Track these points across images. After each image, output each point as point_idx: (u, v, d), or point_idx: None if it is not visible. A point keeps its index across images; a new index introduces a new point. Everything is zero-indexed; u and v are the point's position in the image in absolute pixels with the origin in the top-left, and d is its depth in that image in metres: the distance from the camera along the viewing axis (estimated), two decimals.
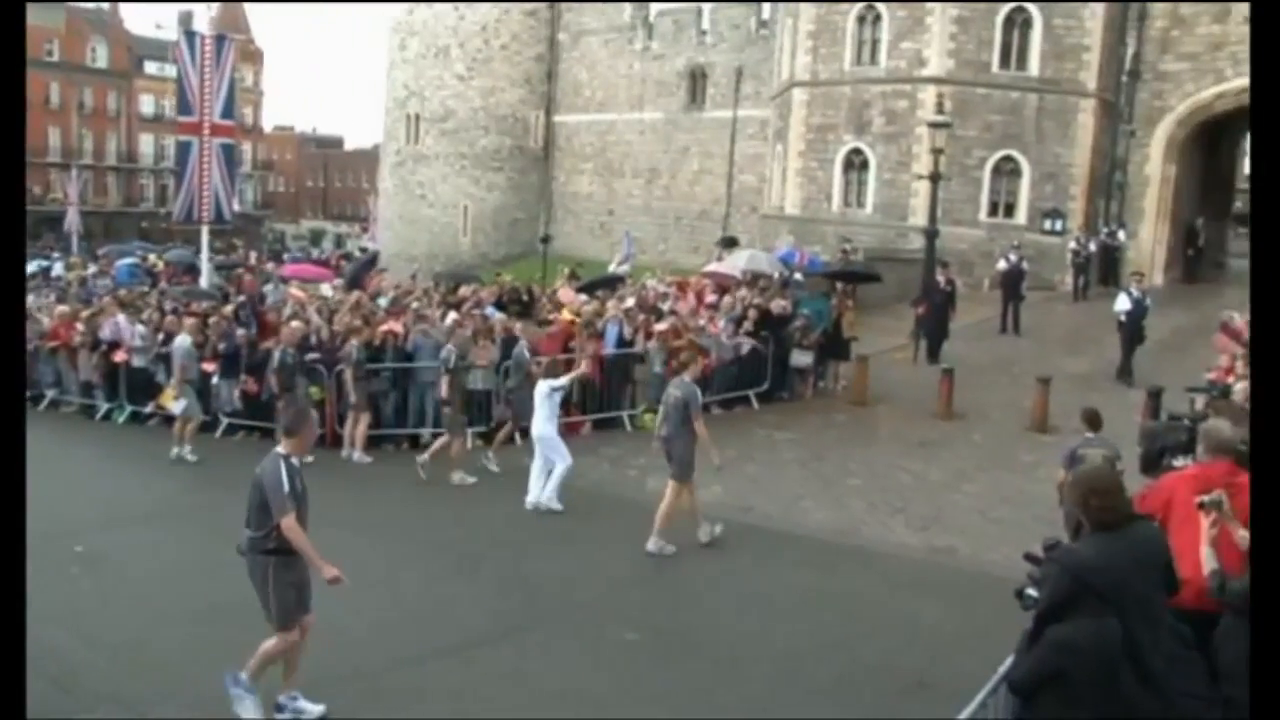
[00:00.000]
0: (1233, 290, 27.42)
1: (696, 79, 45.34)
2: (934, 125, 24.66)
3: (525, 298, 20.18)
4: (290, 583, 6.92)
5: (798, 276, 21.01)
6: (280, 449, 7.04)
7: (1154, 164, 32.31)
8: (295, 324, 15.60)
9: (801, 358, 17.79)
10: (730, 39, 43.97)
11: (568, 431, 15.92)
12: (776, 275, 20.85)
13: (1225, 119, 33.37)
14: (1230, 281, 32.31)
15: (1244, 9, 30.84)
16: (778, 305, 17.96)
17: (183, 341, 15.00)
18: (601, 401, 16.77)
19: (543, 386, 12.53)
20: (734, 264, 21.87)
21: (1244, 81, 30.94)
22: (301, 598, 7.00)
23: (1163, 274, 31.26)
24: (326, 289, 20.95)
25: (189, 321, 15.42)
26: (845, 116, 33.20)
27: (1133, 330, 18.96)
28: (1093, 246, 29.63)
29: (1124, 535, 5.22)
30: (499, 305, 19.00)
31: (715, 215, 43.78)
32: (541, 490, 12.33)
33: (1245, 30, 30.93)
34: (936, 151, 24.12)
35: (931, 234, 23.61)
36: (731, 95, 43.57)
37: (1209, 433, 6.07)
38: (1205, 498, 5.53)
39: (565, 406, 16.07)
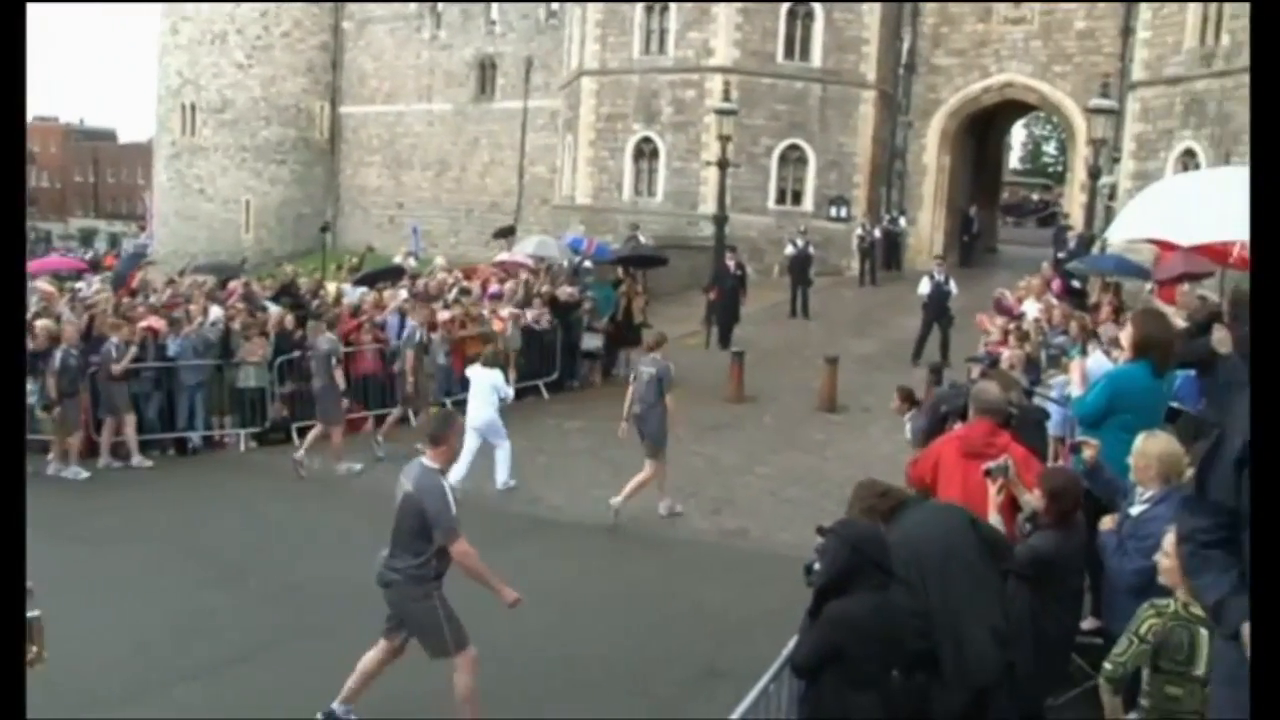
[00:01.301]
0: (1005, 273, 28.75)
1: (486, 69, 44.55)
2: (720, 112, 24.91)
3: (304, 293, 19.09)
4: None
5: (586, 264, 20.72)
6: (429, 462, 6.20)
7: (930, 154, 33.71)
8: (42, 323, 14.16)
9: (591, 340, 17.50)
10: (519, 29, 43.40)
11: (349, 429, 15.20)
12: (566, 262, 20.51)
13: (991, 112, 35.14)
14: (1002, 265, 33.97)
15: (1004, 9, 32.51)
16: (564, 292, 17.61)
17: None
18: (384, 395, 15.99)
19: (483, 376, 12.29)
20: (523, 250, 21.40)
21: (1006, 77, 32.70)
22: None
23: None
24: (90, 284, 19.26)
25: None
26: (634, 106, 33.23)
27: (935, 311, 19.53)
28: (878, 233, 30.61)
29: (924, 509, 5.13)
30: (275, 299, 17.92)
31: (507, 207, 43.11)
32: (466, 474, 11.77)
33: (1005, 30, 32.61)
34: (724, 138, 24.37)
35: (720, 220, 23.83)
36: (522, 86, 43.00)
37: (976, 394, 6.11)
38: (991, 465, 5.51)
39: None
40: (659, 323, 22.39)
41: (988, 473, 5.51)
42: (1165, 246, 11.12)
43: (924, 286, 19.88)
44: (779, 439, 14.91)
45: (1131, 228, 7.44)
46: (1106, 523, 5.29)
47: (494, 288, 18.13)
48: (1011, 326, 13.67)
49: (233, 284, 18.03)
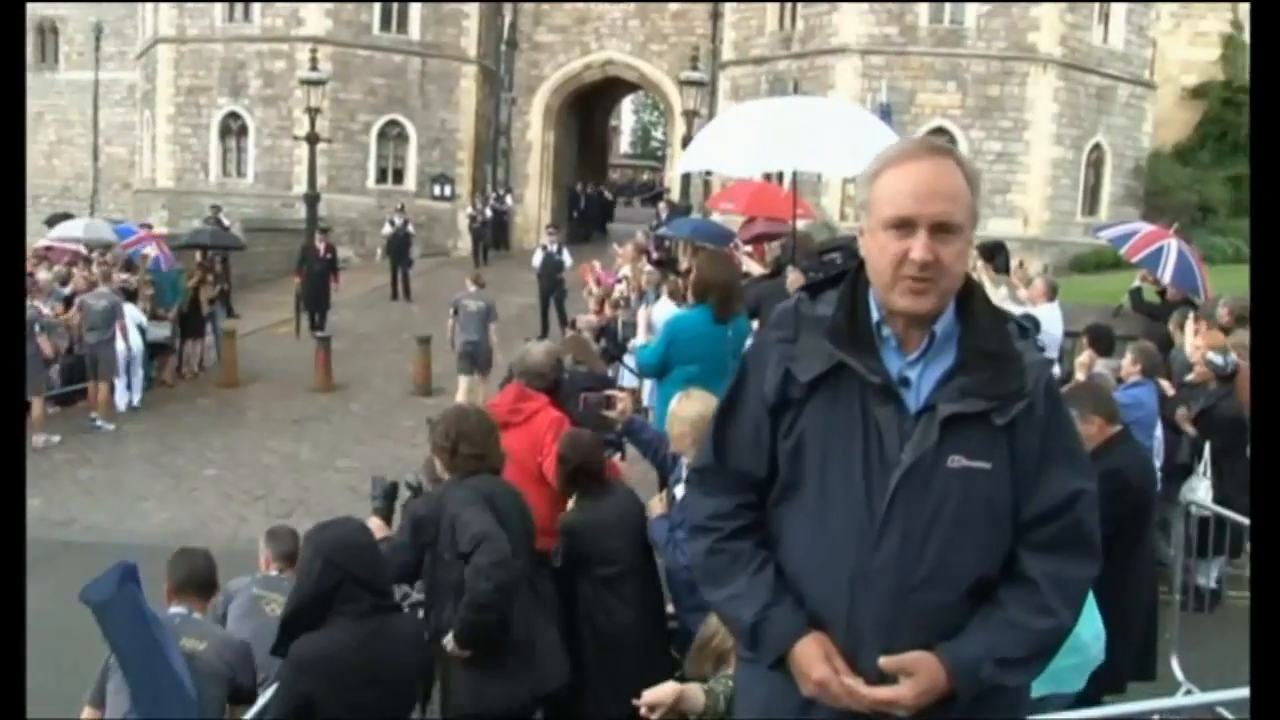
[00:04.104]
0: (613, 249, 28.90)
1: (45, 34, 39.31)
2: (308, 83, 23.13)
3: None
4: None
5: (146, 249, 18.35)
6: None
7: (535, 130, 33.33)
8: None
9: (157, 330, 15.37)
10: None
11: None
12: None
13: (594, 89, 35.36)
14: (611, 241, 34.29)
15: None
16: (119, 279, 15.35)
17: None
18: None
19: (129, 314, 14.06)
20: (69, 234, 18.65)
21: (607, 54, 32.95)
22: None
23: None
24: None
25: None
26: (219, 78, 30.34)
27: (549, 283, 19.22)
28: (489, 212, 29.87)
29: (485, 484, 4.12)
30: None
31: (81, 193, 38.45)
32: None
33: (604, 8, 32.81)
34: (312, 111, 22.66)
35: (312, 199, 22.16)
36: (91, 55, 38.44)
37: (518, 358, 5.34)
38: None
39: None
40: (248, 311, 20.65)
41: None
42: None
43: (537, 258, 19.68)
44: (367, 428, 13.73)
45: (692, 161, 7.09)
46: (654, 506, 4.42)
47: (41, 275, 15.49)
48: (602, 294, 13.30)
49: None
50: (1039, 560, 2.08)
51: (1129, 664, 5.21)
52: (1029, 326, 2.23)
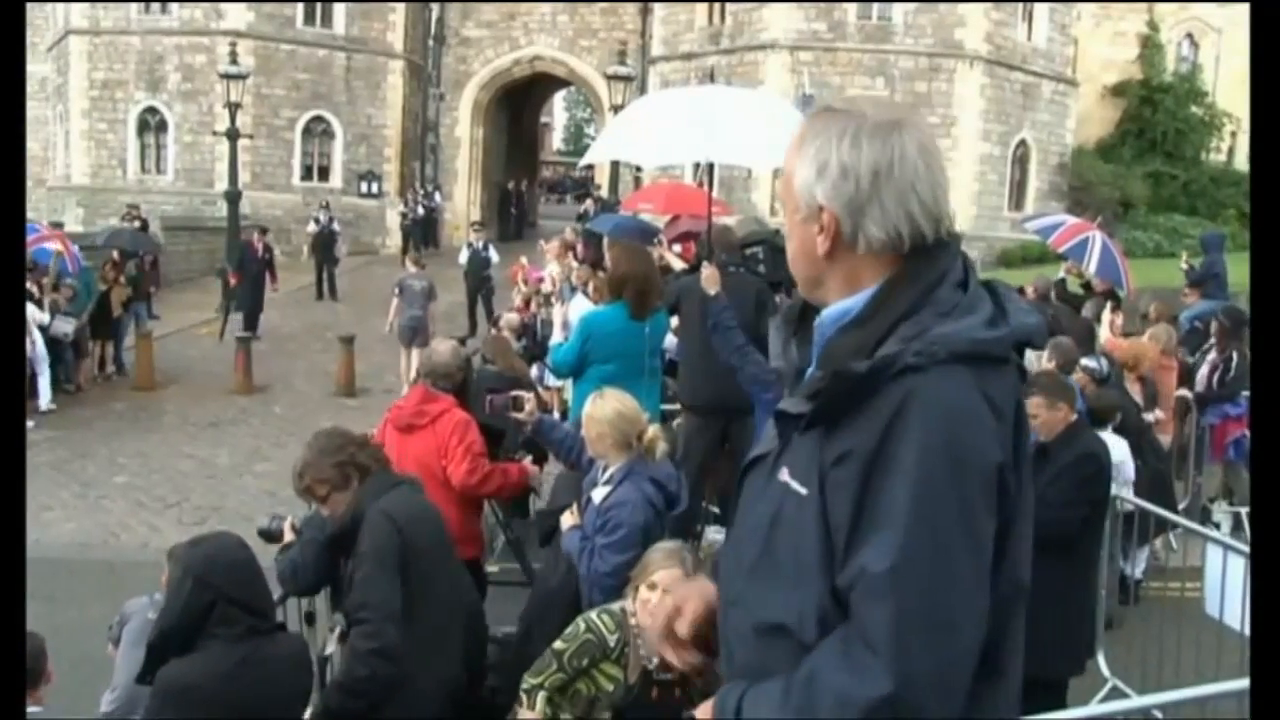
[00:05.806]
0: (539, 245, 28.65)
1: None
2: (228, 77, 22.57)
3: None
4: None
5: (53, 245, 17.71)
6: None
7: (463, 126, 32.99)
8: None
9: (63, 324, 14.72)
10: None
11: None
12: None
13: (524, 85, 35.05)
14: (542, 237, 34.01)
15: None
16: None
17: None
18: None
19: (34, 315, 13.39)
20: None
21: (535, 50, 32.70)
22: None
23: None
24: None
25: None
26: (136, 71, 29.59)
27: (476, 281, 18.99)
28: (421, 210, 29.49)
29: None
30: None
31: None
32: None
33: (532, 4, 32.46)
34: (233, 106, 22.11)
35: (234, 197, 21.62)
36: None
37: (424, 357, 5.12)
38: None
39: None
40: (167, 311, 20.12)
41: None
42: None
43: (463, 255, 19.54)
44: (287, 431, 13.31)
45: (600, 153, 6.98)
46: (567, 519, 4.16)
47: None
48: (530, 290, 13.11)
49: None
50: (822, 646, 1.53)
51: (1085, 646, 5.24)
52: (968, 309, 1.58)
